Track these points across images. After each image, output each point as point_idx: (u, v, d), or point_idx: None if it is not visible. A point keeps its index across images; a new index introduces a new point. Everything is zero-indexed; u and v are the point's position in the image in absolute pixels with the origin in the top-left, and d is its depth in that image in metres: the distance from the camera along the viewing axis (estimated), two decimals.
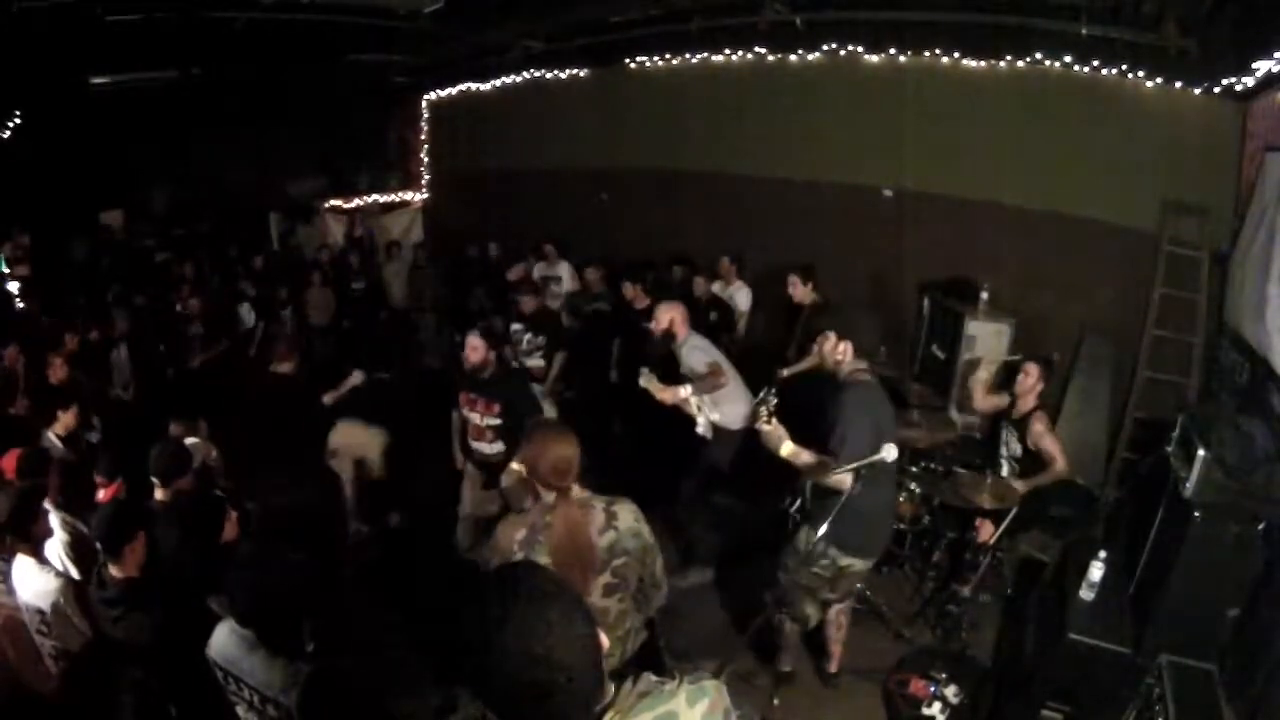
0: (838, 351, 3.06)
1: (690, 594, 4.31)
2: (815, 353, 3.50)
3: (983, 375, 4.70)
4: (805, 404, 3.17)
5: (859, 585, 4.09)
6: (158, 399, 5.43)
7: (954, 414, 5.19)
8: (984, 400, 4.47)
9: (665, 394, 4.16)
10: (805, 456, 2.91)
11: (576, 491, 2.25)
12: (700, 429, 4.31)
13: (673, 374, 4.31)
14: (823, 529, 2.72)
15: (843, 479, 2.77)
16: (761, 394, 2.97)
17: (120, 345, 6.02)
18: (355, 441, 4.73)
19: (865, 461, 2.66)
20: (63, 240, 8.27)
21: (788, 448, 2.92)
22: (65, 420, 4.07)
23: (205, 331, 6.33)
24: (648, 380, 4.15)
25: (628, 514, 2.28)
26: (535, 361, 5.48)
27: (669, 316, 4.28)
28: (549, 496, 2.24)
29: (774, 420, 2.90)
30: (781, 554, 3.31)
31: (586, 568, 2.17)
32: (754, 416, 2.97)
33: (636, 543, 2.27)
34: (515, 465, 2.39)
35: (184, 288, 7.12)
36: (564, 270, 7.29)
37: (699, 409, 4.26)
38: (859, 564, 3.15)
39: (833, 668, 3.61)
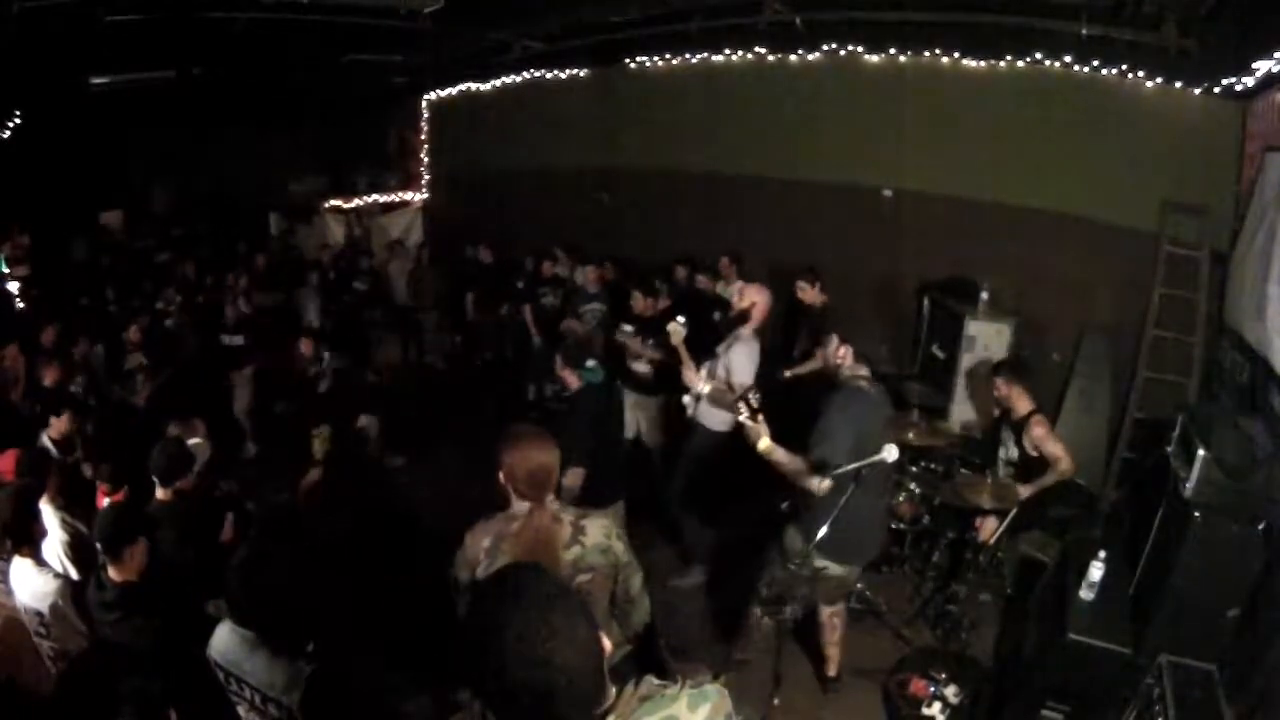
0: (838, 355, 3.13)
1: (690, 594, 4.32)
2: (819, 355, 3.49)
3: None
4: (807, 406, 3.16)
5: (857, 588, 4.10)
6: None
7: (954, 414, 5.18)
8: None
9: (683, 351, 4.03)
10: (779, 454, 2.94)
11: (550, 503, 2.20)
12: (688, 399, 4.19)
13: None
14: (803, 530, 2.81)
15: (812, 482, 2.80)
16: (746, 388, 3.08)
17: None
18: None
19: (864, 463, 2.65)
20: (63, 240, 8.27)
21: (764, 444, 2.94)
22: (59, 425, 4.07)
23: (149, 361, 5.89)
24: (675, 330, 4.02)
25: (597, 530, 2.20)
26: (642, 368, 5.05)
27: (753, 300, 4.12)
28: (519, 505, 2.19)
29: (759, 417, 2.90)
30: (768, 552, 3.36)
31: None
32: (736, 410, 2.97)
33: (604, 559, 2.19)
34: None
35: (169, 291, 7.05)
36: (579, 274, 7.26)
37: (700, 386, 4.10)
38: (836, 568, 3.12)
39: (831, 671, 3.60)
